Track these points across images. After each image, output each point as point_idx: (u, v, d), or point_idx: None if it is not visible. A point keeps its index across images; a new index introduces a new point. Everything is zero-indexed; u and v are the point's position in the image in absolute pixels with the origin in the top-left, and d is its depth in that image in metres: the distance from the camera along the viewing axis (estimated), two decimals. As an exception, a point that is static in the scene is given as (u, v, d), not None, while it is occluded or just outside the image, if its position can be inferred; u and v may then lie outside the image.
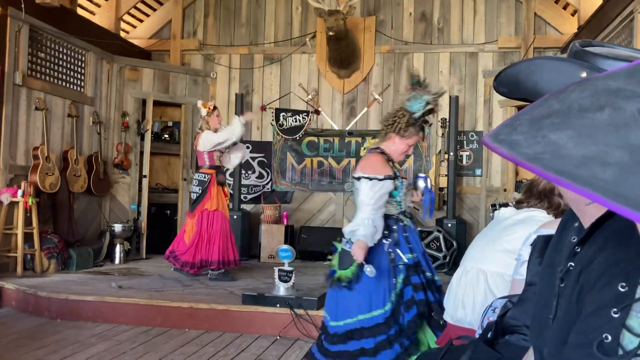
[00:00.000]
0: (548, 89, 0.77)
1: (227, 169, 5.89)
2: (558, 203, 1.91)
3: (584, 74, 0.72)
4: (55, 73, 6.46)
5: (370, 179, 2.81)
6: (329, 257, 3.17)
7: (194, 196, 5.56)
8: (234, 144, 5.59)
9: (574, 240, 0.87)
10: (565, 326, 0.76)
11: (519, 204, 2.06)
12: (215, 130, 5.52)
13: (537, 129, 0.55)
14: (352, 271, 2.85)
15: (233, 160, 5.75)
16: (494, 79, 0.92)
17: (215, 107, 5.62)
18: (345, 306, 2.91)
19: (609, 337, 0.65)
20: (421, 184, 3.10)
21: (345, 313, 2.91)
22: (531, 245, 1.57)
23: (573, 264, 0.82)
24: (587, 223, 0.82)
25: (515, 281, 1.68)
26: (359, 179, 2.90)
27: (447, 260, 6.69)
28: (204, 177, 5.50)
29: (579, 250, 0.82)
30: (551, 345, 0.81)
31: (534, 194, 1.98)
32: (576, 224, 0.91)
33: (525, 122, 0.57)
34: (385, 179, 2.86)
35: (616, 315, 0.66)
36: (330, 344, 2.93)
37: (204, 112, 5.55)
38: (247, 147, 6.52)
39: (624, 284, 0.67)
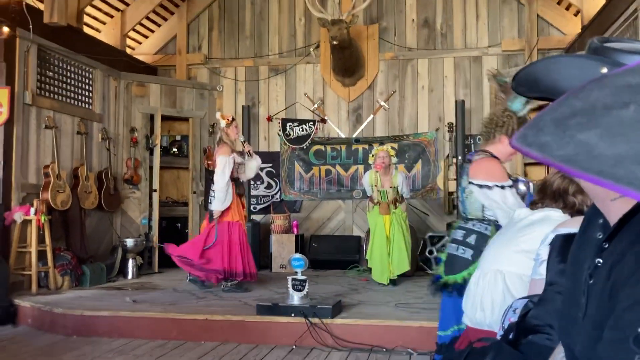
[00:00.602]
0: (569, 87, 0.77)
1: (243, 181, 5.95)
2: (573, 202, 1.90)
3: (605, 70, 0.72)
4: (64, 91, 6.51)
5: (503, 187, 2.69)
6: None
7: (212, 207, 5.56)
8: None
9: (600, 237, 0.87)
10: (597, 323, 0.76)
11: (533, 205, 2.05)
12: (233, 142, 5.58)
13: (564, 129, 0.56)
14: (463, 276, 2.75)
15: (248, 172, 5.78)
16: (512, 78, 0.92)
17: (233, 119, 5.69)
18: (454, 313, 2.77)
19: None
20: (522, 187, 2.99)
21: (452, 321, 2.81)
22: (550, 244, 1.56)
23: (601, 260, 0.82)
24: (613, 219, 0.82)
25: (534, 281, 1.67)
26: (485, 186, 2.72)
27: (459, 264, 6.65)
28: None
29: (606, 246, 0.82)
30: (584, 343, 0.81)
31: (547, 194, 1.96)
32: (600, 221, 0.91)
33: (550, 123, 0.57)
34: (513, 182, 2.75)
35: None
36: (438, 353, 2.83)
37: (223, 123, 5.61)
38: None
39: None
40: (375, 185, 6.02)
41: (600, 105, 0.55)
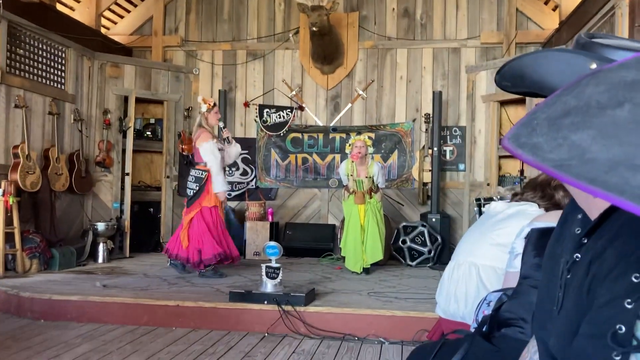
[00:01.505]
0: (556, 82, 0.76)
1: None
2: (551, 195, 1.92)
3: (594, 65, 0.72)
4: (35, 70, 6.35)
5: None
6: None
7: (190, 192, 5.54)
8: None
9: (579, 232, 0.87)
10: (574, 317, 0.76)
11: (514, 196, 2.07)
12: (213, 128, 5.58)
13: (557, 129, 0.54)
14: None
15: (227, 159, 5.78)
16: (496, 72, 0.91)
17: (215, 104, 5.67)
18: None
19: (623, 328, 0.65)
20: None
21: None
22: (525, 238, 1.57)
23: (580, 255, 0.82)
24: (594, 214, 0.82)
25: (508, 274, 1.68)
26: None
27: (431, 254, 6.73)
28: (201, 173, 5.51)
29: (585, 241, 0.82)
30: (558, 337, 0.81)
31: (530, 186, 1.98)
32: (579, 216, 0.91)
33: (543, 122, 0.56)
34: None
35: (630, 306, 0.66)
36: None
37: (204, 108, 5.58)
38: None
39: (637, 274, 0.67)
40: (351, 175, 6.03)
41: (594, 103, 0.54)
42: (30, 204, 6.07)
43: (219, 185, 5.48)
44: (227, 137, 5.67)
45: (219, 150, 5.60)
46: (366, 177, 6.00)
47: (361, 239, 5.97)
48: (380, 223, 6.07)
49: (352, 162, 5.98)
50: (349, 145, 6.17)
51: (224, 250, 5.46)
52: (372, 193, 6.06)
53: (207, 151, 5.45)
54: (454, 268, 2.23)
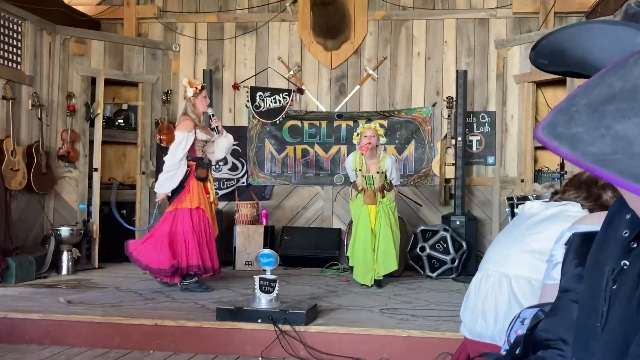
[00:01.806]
0: (601, 60, 0.77)
1: (211, 163, 6.03)
2: (597, 195, 1.92)
3: None
4: (-14, 47, 6.37)
5: None
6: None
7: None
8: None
9: (627, 235, 0.88)
10: (621, 335, 0.77)
11: (554, 195, 2.07)
12: (200, 116, 5.64)
13: (599, 117, 0.54)
14: None
15: (217, 152, 5.82)
16: (531, 48, 0.92)
17: (203, 87, 5.71)
18: None
19: None
20: None
21: None
22: (566, 244, 1.57)
23: (628, 263, 0.83)
24: (646, 215, 0.83)
25: (546, 287, 1.68)
26: None
27: (455, 264, 6.73)
28: None
29: (635, 245, 0.83)
30: (603, 358, 0.82)
31: (573, 184, 1.98)
32: (628, 216, 0.92)
33: (583, 109, 0.56)
34: None
35: None
36: None
37: (190, 92, 5.61)
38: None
39: None
40: (360, 170, 6.03)
41: None
42: (-19, 205, 6.09)
43: (159, 185, 5.59)
44: (217, 127, 5.68)
45: (206, 142, 5.62)
46: (377, 172, 6.00)
47: (372, 245, 5.97)
48: (395, 227, 6.08)
49: (361, 154, 5.98)
50: (357, 134, 6.17)
51: (200, 262, 5.49)
52: (385, 191, 6.06)
53: (177, 141, 5.51)
54: (481, 280, 2.24)
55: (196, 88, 5.60)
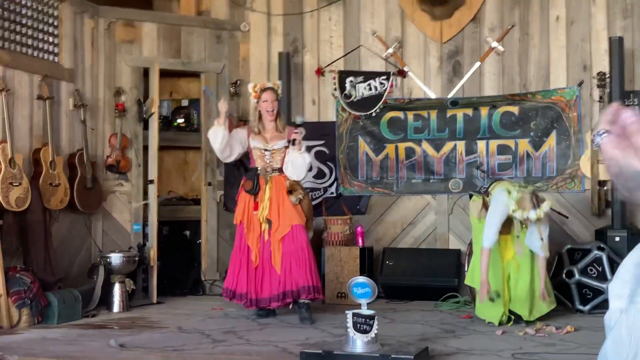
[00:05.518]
0: None
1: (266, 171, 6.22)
2: None
3: None
4: (16, 36, 6.59)
5: None
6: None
7: None
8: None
9: None
10: None
11: None
12: (261, 126, 6.18)
13: None
14: None
15: (288, 170, 6.08)
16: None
17: (264, 89, 6.08)
18: None
19: None
20: None
21: None
22: None
23: None
24: None
25: None
26: None
27: (615, 293, 6.45)
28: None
29: None
30: None
31: None
32: None
33: None
34: None
35: None
36: None
37: (253, 101, 6.17)
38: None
39: None
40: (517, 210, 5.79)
41: None
42: (16, 228, 6.32)
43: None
44: (294, 140, 5.99)
45: (263, 151, 6.08)
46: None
47: (504, 273, 5.85)
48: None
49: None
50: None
51: (233, 287, 6.05)
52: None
53: None
54: (635, 317, 2.11)
55: (256, 93, 6.08)
